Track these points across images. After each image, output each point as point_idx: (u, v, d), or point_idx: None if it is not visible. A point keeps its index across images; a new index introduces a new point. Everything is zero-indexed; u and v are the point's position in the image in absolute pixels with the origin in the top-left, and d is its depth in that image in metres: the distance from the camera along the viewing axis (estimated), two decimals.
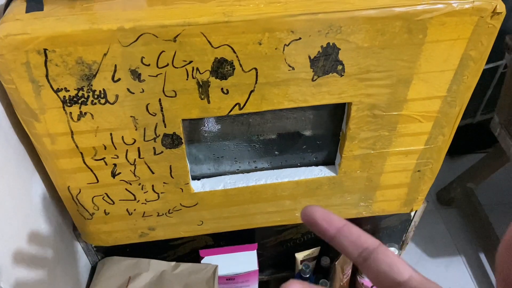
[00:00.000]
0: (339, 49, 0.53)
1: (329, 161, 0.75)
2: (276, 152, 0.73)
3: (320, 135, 0.71)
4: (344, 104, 0.63)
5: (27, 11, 0.50)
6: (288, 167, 0.75)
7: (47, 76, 0.50)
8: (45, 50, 0.48)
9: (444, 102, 0.62)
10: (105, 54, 0.50)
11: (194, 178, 0.73)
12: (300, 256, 0.97)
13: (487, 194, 1.51)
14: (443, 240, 1.46)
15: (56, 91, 0.52)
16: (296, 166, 0.75)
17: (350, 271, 0.99)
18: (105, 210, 0.70)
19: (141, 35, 0.49)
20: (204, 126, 0.66)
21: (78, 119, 0.56)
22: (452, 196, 1.53)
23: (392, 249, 0.93)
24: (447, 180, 1.51)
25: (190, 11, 0.50)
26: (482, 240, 1.41)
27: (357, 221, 0.93)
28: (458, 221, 1.50)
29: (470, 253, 1.41)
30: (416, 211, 0.89)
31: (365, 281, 1.01)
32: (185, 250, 0.92)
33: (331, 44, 0.53)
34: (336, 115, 0.67)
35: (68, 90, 0.52)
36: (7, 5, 0.53)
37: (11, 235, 0.57)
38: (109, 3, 0.52)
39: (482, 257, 1.39)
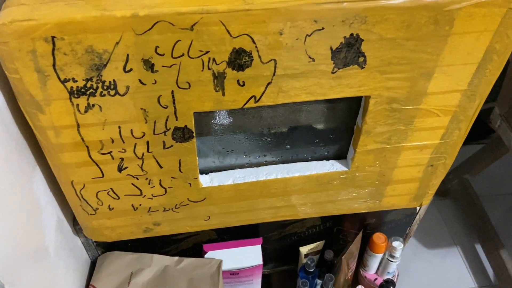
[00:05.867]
0: (363, 40, 0.51)
1: (340, 155, 0.73)
2: (288, 146, 0.70)
3: (333, 129, 0.69)
4: (360, 97, 0.61)
5: None
6: (299, 161, 0.73)
7: (54, 65, 0.47)
8: (53, 37, 0.45)
9: (464, 96, 0.60)
10: (117, 43, 0.47)
11: (202, 172, 0.70)
12: (304, 250, 0.96)
13: (483, 185, 1.51)
14: (440, 231, 1.46)
15: (63, 82, 0.49)
16: (307, 160, 0.73)
17: (355, 265, 0.98)
18: (109, 205, 0.68)
19: (157, 22, 0.46)
20: (215, 119, 0.64)
21: (86, 111, 0.53)
22: (449, 187, 1.54)
23: (398, 243, 0.92)
24: None
25: None
26: (478, 231, 1.41)
27: (363, 215, 0.92)
28: (454, 212, 1.51)
29: (466, 244, 1.41)
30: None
31: (368, 274, 1.01)
32: (188, 244, 0.90)
33: (354, 35, 0.50)
34: (351, 108, 0.65)
35: (76, 81, 0.49)
36: None
37: (14, 231, 0.55)
38: None
39: (478, 248, 1.39)
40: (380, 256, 0.96)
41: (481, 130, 1.63)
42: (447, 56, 0.54)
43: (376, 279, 1.00)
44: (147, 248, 0.86)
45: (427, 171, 0.72)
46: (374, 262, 0.98)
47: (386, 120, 0.62)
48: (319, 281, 0.97)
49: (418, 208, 0.91)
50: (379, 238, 0.93)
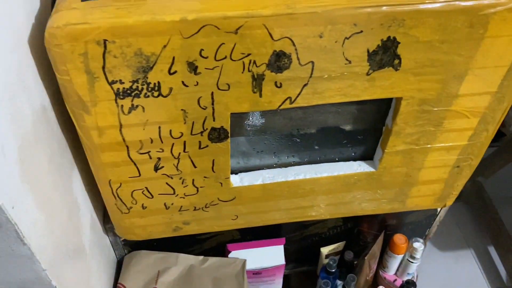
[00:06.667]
0: (399, 42, 0.52)
1: (366, 156, 0.74)
2: (316, 147, 0.72)
3: (362, 130, 0.70)
4: (390, 98, 0.63)
5: (82, 0, 0.48)
6: (326, 161, 0.74)
7: (103, 68, 0.49)
8: (105, 41, 0.46)
9: (493, 98, 0.61)
10: (164, 46, 0.48)
11: (232, 172, 0.71)
12: (325, 250, 0.97)
13: (496, 187, 1.51)
14: (453, 233, 1.46)
15: (111, 83, 0.51)
16: (334, 161, 0.74)
17: (376, 266, 0.99)
18: (143, 204, 0.69)
19: (203, 26, 0.47)
20: (248, 119, 0.65)
21: (129, 112, 0.54)
22: (462, 190, 1.54)
23: (418, 244, 0.93)
24: None
25: (252, 3, 0.48)
26: (491, 234, 1.41)
27: (384, 216, 0.93)
28: (467, 215, 1.51)
29: (480, 246, 1.42)
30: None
31: (387, 275, 1.01)
32: (211, 244, 0.91)
33: (391, 38, 0.52)
34: (380, 110, 0.66)
35: (123, 83, 0.51)
36: None
37: (58, 228, 0.56)
38: None
39: (492, 250, 1.40)
40: (400, 257, 0.97)
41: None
42: (479, 59, 0.56)
43: (395, 280, 1.01)
44: (172, 247, 0.87)
45: (453, 172, 0.74)
46: (394, 263, 0.99)
47: (416, 121, 0.63)
48: (339, 282, 0.98)
49: (438, 209, 0.92)
50: (399, 239, 0.94)
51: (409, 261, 0.96)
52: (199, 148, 0.62)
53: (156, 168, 0.63)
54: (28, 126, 0.48)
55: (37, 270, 0.49)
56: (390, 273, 1.01)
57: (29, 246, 0.46)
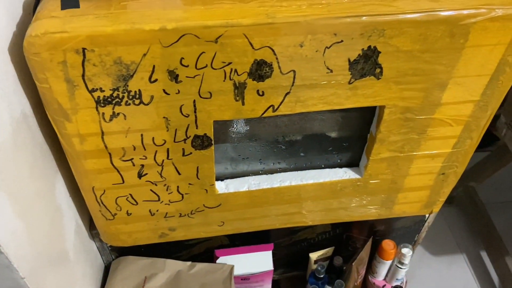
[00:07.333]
0: (380, 52, 0.53)
1: (352, 163, 0.74)
2: (302, 154, 0.72)
3: (347, 137, 0.70)
4: (374, 106, 0.63)
5: (62, 8, 0.48)
6: (312, 168, 0.74)
7: (83, 76, 0.49)
8: (84, 49, 0.46)
9: (476, 107, 0.61)
10: (144, 55, 0.48)
11: (218, 178, 0.72)
12: (314, 256, 0.97)
13: (488, 192, 1.52)
14: (445, 238, 1.46)
15: (91, 91, 0.50)
16: (320, 167, 0.74)
17: (364, 271, 0.99)
18: (127, 211, 0.69)
19: (183, 35, 0.47)
20: (232, 127, 0.65)
21: (110, 120, 0.54)
22: (454, 195, 1.54)
23: (407, 249, 0.93)
24: None
25: (232, 12, 0.48)
26: (483, 239, 1.42)
27: (372, 222, 0.93)
28: (459, 220, 1.51)
29: (472, 251, 1.42)
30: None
31: (376, 280, 1.01)
32: (200, 249, 0.91)
33: (372, 47, 0.52)
34: (364, 117, 0.66)
35: (103, 91, 0.51)
36: (38, 0, 0.51)
37: (40, 236, 0.56)
38: (145, 1, 0.50)
39: (484, 255, 1.40)
40: (389, 262, 0.97)
41: (485, 138, 1.64)
42: (461, 68, 0.56)
43: (384, 285, 1.01)
44: (160, 253, 0.87)
45: (439, 179, 0.74)
46: (383, 269, 0.99)
47: (400, 129, 0.63)
48: (328, 287, 0.98)
49: (427, 215, 0.92)
50: (388, 245, 0.94)
51: (397, 266, 0.96)
52: (183, 155, 0.62)
53: (140, 175, 0.63)
54: (6, 134, 0.48)
55: (16, 278, 0.48)
56: (379, 278, 1.01)
57: (6, 255, 0.45)
